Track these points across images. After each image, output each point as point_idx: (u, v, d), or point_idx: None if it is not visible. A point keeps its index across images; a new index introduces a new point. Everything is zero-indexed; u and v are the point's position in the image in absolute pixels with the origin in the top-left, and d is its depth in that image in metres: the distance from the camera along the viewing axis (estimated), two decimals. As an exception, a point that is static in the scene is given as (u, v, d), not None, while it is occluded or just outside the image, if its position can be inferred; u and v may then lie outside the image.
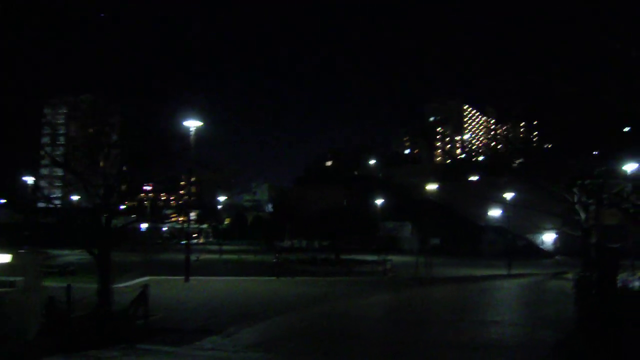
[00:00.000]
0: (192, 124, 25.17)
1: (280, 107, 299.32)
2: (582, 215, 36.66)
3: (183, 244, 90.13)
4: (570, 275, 30.81)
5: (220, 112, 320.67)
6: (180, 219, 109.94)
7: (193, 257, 50.27)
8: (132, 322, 12.22)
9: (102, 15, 15.78)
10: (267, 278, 27.68)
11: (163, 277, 26.75)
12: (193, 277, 26.45)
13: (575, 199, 37.00)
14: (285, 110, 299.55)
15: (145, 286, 13.70)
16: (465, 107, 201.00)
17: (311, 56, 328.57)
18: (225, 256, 52.86)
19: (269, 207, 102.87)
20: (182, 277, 25.82)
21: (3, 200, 21.56)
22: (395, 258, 46.96)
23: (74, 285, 13.88)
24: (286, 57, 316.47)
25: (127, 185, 15.91)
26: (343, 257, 47.62)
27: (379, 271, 37.29)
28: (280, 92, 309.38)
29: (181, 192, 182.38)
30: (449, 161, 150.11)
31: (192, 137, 25.05)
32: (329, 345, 12.09)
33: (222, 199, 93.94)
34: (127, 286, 22.89)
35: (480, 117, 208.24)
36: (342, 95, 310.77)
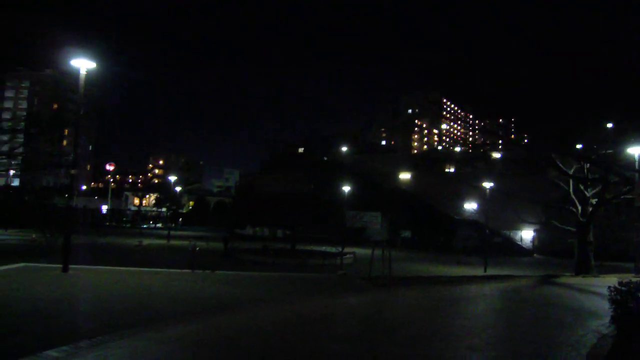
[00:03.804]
0: (82, 64, 19.04)
1: (259, 93, 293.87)
2: (579, 207, 31.31)
3: (145, 227, 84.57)
4: (563, 280, 25.28)
5: (199, 95, 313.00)
6: (139, 201, 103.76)
7: (135, 242, 44.52)
8: None
9: None
10: (180, 271, 21.65)
11: (43, 265, 20.63)
12: (85, 267, 20.42)
13: (571, 189, 31.72)
14: (264, 97, 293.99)
15: None
16: (444, 100, 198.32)
17: (292, 43, 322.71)
18: (174, 242, 47.42)
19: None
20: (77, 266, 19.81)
21: None
22: (361, 250, 42.01)
23: None
24: (269, 42, 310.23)
25: None
26: (301, 247, 42.60)
27: (333, 265, 32.00)
28: (261, 78, 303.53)
29: (149, 175, 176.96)
30: (425, 148, 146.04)
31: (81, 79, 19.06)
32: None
33: (174, 178, 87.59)
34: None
35: (458, 111, 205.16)
36: (321, 83, 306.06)
